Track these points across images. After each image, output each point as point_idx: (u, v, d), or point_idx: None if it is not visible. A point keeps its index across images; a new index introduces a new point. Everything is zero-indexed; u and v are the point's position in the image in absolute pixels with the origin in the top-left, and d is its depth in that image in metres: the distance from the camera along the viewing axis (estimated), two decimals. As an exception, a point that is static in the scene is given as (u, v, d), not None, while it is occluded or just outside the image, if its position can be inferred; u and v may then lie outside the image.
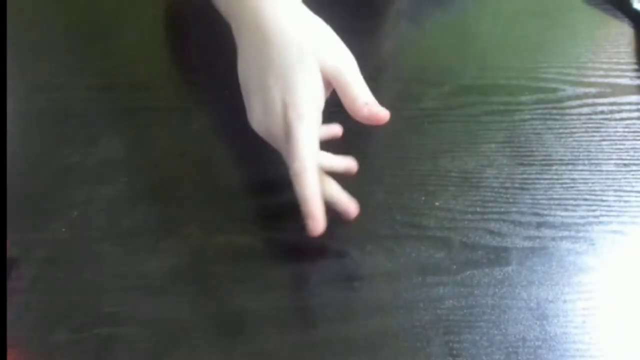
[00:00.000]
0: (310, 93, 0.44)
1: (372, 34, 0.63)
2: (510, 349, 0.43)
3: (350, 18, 0.64)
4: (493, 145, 0.53)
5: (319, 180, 0.43)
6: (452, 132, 0.54)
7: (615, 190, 0.51)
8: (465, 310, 0.44)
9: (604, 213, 0.49)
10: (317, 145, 0.44)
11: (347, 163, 0.49)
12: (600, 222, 0.49)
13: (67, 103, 0.57)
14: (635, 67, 0.59)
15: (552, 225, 0.49)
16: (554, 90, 0.57)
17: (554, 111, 0.56)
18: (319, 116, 0.44)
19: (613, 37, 0.62)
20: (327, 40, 0.46)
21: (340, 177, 0.51)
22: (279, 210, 0.50)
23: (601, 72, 0.59)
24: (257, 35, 0.46)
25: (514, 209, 0.50)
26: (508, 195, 0.50)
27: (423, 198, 0.50)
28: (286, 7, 0.47)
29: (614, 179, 0.51)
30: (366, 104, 0.44)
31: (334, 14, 0.63)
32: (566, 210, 0.50)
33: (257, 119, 0.45)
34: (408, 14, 0.66)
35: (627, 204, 0.50)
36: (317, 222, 0.41)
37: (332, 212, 0.45)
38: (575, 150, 0.53)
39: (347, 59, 0.45)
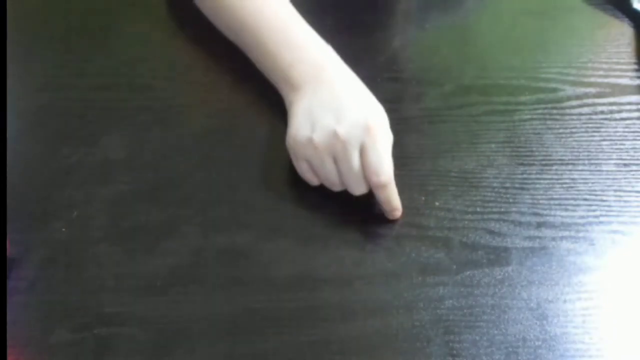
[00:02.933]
0: (385, 117, 0.49)
1: (372, 34, 0.63)
2: (510, 349, 0.43)
3: (351, 17, 0.64)
4: (493, 145, 0.53)
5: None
6: (452, 132, 0.54)
7: (615, 190, 0.51)
8: (465, 310, 0.44)
9: (604, 213, 0.49)
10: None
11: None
12: (600, 222, 0.49)
13: (67, 103, 0.57)
14: (635, 67, 0.59)
15: (552, 225, 0.49)
16: (554, 90, 0.57)
17: (554, 111, 0.56)
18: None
19: (613, 37, 0.62)
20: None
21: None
22: (279, 210, 0.50)
23: (601, 72, 0.59)
24: (331, 85, 0.50)
25: (514, 209, 0.50)
26: (508, 195, 0.50)
27: (423, 198, 0.50)
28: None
29: (614, 179, 0.51)
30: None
31: (335, 13, 0.64)
32: (566, 210, 0.50)
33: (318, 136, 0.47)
34: (410, 14, 0.66)
35: (627, 204, 0.50)
36: (400, 212, 0.49)
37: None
38: (575, 150, 0.53)
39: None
